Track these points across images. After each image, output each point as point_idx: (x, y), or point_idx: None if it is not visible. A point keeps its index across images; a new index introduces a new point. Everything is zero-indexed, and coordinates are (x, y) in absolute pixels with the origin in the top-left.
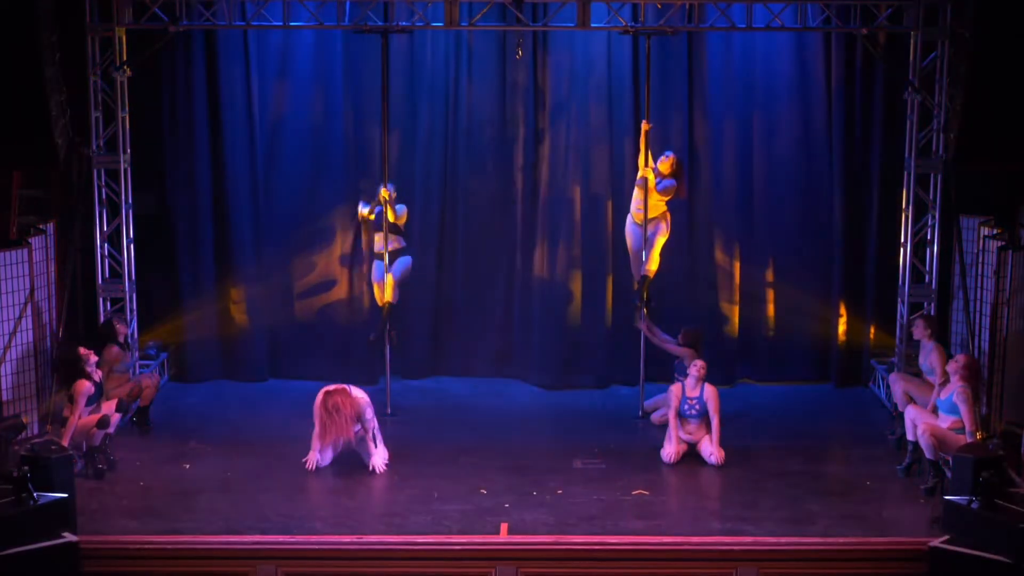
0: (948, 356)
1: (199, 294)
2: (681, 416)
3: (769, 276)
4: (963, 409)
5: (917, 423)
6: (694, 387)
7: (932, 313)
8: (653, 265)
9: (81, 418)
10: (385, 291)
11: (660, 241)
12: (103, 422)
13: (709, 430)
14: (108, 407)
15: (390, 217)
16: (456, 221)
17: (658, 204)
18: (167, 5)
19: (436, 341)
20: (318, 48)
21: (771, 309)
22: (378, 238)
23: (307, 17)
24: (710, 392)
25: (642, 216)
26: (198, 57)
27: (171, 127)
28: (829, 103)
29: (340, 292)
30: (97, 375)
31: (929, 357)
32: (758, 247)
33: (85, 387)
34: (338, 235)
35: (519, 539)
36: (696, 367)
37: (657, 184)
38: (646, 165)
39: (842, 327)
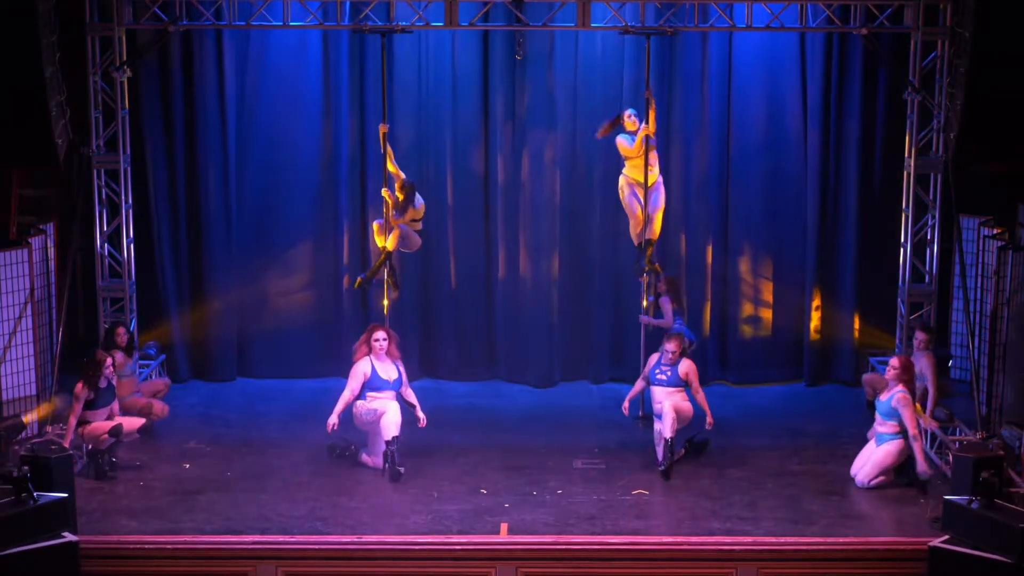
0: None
1: (179, 294)
2: (650, 381)
3: (743, 275)
4: (905, 414)
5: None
6: (670, 360)
7: (932, 313)
8: (656, 229)
9: (93, 423)
10: (387, 239)
11: (662, 207)
12: (115, 431)
13: (675, 404)
14: (130, 423)
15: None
16: (446, 221)
17: (651, 171)
18: (167, 5)
19: (432, 342)
20: (293, 49)
21: (745, 309)
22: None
23: (306, 17)
24: (687, 365)
25: (639, 177)
26: (175, 58)
27: (150, 127)
28: (804, 99)
29: (319, 291)
30: (105, 381)
31: (920, 362)
32: (732, 246)
33: (78, 390)
34: (314, 235)
35: (519, 539)
36: (668, 353)
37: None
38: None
39: (814, 326)
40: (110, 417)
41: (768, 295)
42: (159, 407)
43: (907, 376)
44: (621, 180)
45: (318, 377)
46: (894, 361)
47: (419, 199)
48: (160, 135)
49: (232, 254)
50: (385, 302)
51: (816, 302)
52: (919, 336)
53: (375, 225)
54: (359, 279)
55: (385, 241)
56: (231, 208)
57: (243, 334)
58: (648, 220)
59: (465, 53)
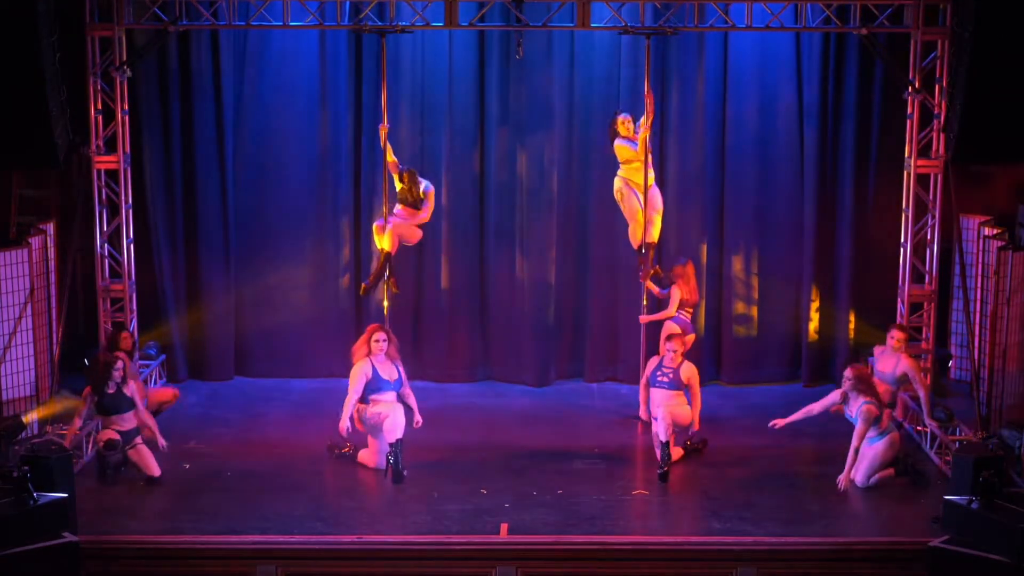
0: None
1: (176, 294)
2: (651, 384)
3: (739, 275)
4: (859, 427)
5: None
6: (672, 360)
7: (932, 313)
8: (655, 233)
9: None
10: (384, 239)
11: (660, 209)
12: (110, 444)
13: (672, 409)
14: (148, 464)
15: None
16: (444, 221)
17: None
18: (167, 5)
19: (427, 343)
20: (291, 48)
21: (739, 308)
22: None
23: (306, 17)
24: (690, 370)
25: (637, 179)
26: (171, 58)
27: (147, 127)
28: (800, 99)
29: (317, 290)
30: (113, 385)
31: (901, 364)
32: (728, 245)
33: (86, 393)
34: (312, 233)
35: (519, 539)
36: (670, 353)
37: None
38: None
39: (813, 326)
40: (138, 428)
41: (764, 295)
42: (153, 430)
43: (864, 386)
44: (617, 182)
45: (317, 377)
46: (848, 372)
47: (425, 183)
48: (158, 134)
49: (230, 253)
50: (385, 303)
51: (813, 302)
52: (895, 335)
53: (375, 227)
54: (363, 285)
55: (384, 242)
56: (229, 207)
57: (241, 333)
58: (648, 222)
59: (462, 52)
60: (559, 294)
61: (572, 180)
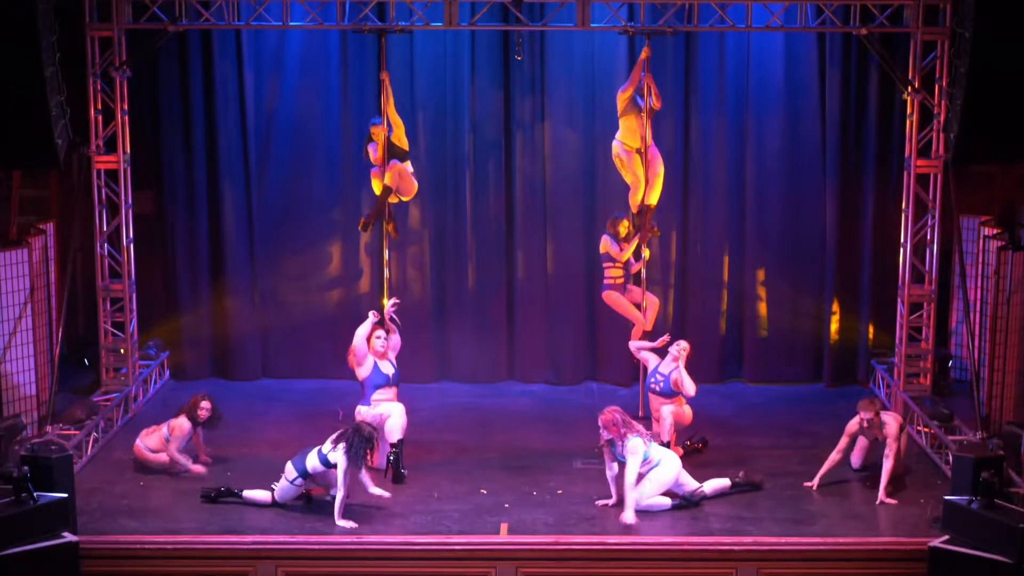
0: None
1: (194, 293)
2: (647, 388)
3: (759, 275)
4: (631, 464)
5: None
6: (668, 364)
7: (932, 313)
8: (655, 196)
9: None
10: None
11: (661, 171)
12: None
13: (672, 411)
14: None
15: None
16: (453, 220)
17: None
18: (167, 5)
19: (435, 344)
20: (313, 47)
21: (762, 308)
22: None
23: (306, 17)
24: (677, 373)
25: (638, 143)
26: (194, 57)
27: (168, 127)
28: (823, 101)
29: (335, 289)
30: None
31: (884, 433)
32: (750, 245)
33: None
34: (334, 233)
35: (519, 539)
36: (678, 346)
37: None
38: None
39: (834, 326)
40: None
41: (786, 296)
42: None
43: (615, 430)
44: (615, 147)
45: (327, 378)
46: (601, 418)
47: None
48: (179, 132)
49: (252, 255)
50: (384, 301)
51: (835, 303)
52: (866, 417)
53: (373, 177)
54: (362, 220)
55: (382, 181)
56: (252, 208)
57: (266, 334)
58: (649, 185)
59: (484, 53)
60: (586, 294)
61: (597, 178)
